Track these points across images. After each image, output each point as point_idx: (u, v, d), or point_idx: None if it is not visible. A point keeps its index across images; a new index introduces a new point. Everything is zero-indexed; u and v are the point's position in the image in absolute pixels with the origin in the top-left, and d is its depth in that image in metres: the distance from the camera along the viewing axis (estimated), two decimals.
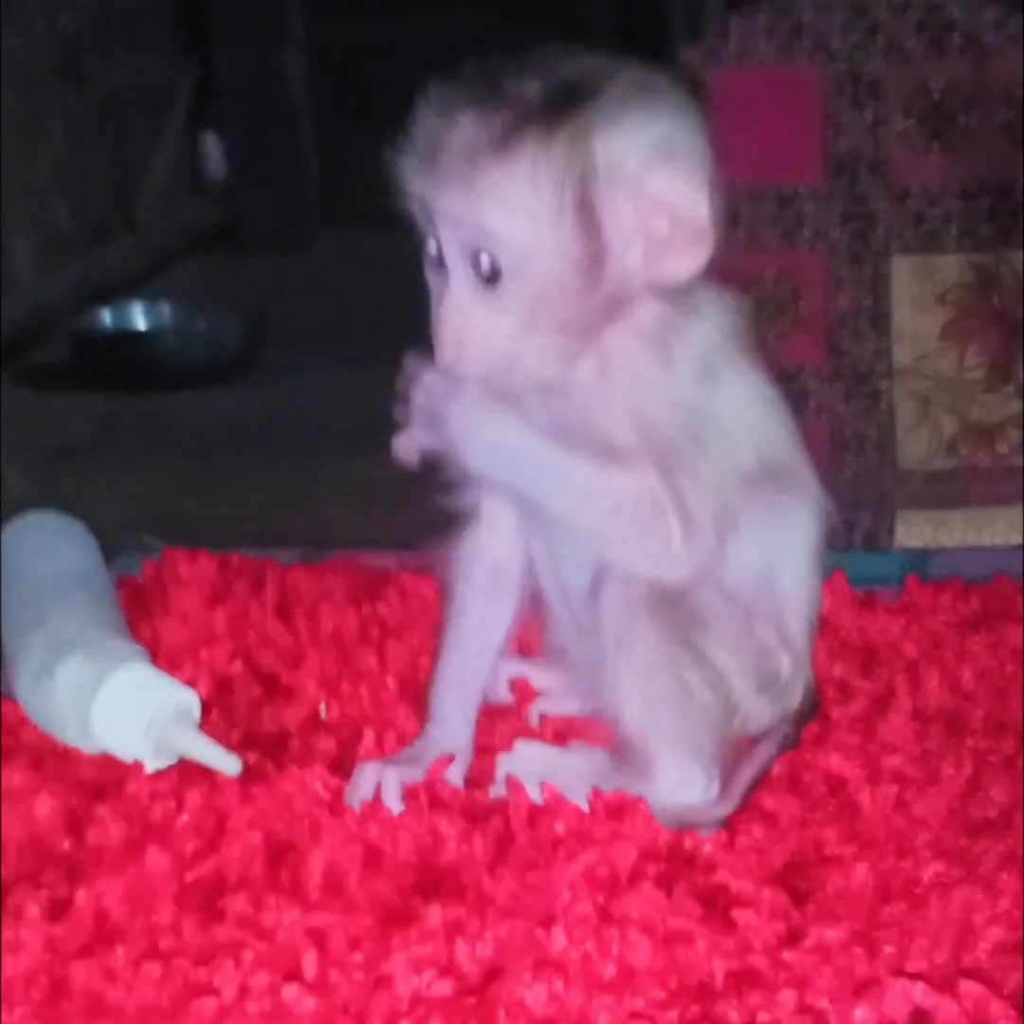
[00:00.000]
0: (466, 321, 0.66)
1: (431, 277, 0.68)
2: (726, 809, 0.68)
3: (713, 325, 0.67)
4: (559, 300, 0.65)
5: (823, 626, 0.81)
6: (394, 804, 0.68)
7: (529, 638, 0.85)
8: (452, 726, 0.73)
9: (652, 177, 0.64)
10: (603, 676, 0.68)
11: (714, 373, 0.67)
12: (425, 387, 0.68)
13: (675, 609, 0.67)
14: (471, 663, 0.75)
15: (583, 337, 0.67)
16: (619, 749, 0.69)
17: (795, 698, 0.71)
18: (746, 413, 0.68)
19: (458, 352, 0.66)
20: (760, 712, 0.70)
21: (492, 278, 0.65)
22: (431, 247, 0.67)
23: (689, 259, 0.65)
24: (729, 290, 0.68)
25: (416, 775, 0.69)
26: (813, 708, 0.74)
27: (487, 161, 0.64)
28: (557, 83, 0.64)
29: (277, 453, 1.51)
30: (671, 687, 0.67)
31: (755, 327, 0.69)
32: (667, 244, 0.65)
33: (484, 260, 0.65)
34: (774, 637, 0.70)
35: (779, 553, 0.70)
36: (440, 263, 0.67)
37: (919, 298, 1.19)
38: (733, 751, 0.69)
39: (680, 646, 0.67)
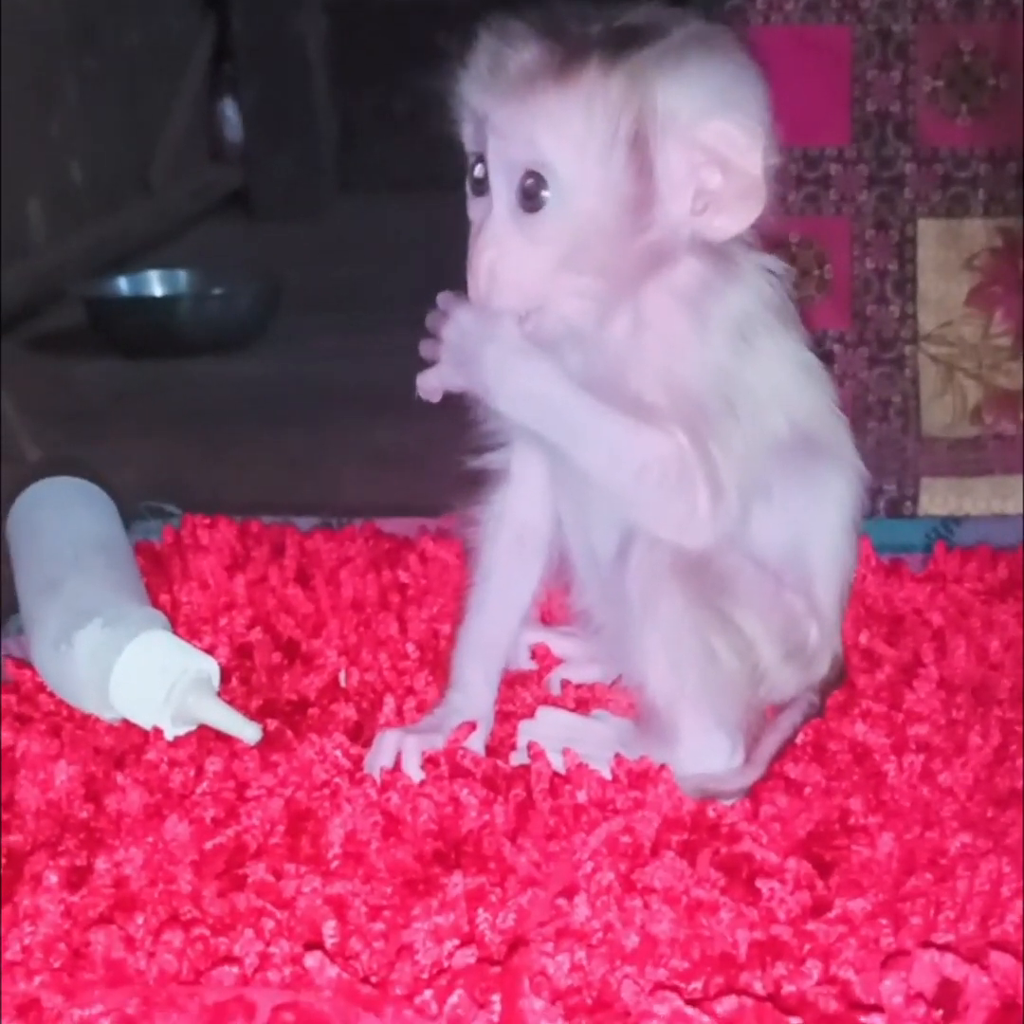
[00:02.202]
0: (503, 251, 0.65)
1: (472, 208, 0.67)
2: (750, 777, 0.67)
3: (752, 290, 0.66)
4: (600, 239, 0.64)
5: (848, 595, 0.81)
6: (414, 773, 0.67)
7: (550, 605, 0.85)
8: (474, 692, 0.72)
9: (709, 126, 0.63)
10: (628, 641, 0.67)
11: (750, 338, 0.66)
12: (458, 324, 0.66)
13: (702, 574, 0.66)
14: (495, 627, 0.74)
15: (620, 286, 0.65)
16: (642, 716, 0.69)
17: (822, 668, 0.70)
18: (781, 381, 0.67)
19: (492, 284, 0.65)
20: (787, 680, 0.69)
21: (535, 203, 0.64)
22: (477, 171, 0.66)
23: (738, 216, 0.64)
24: (772, 256, 0.67)
25: (436, 742, 0.69)
26: (840, 677, 0.73)
27: (547, 84, 0.63)
28: (621, 24, 0.64)
29: (294, 419, 1.50)
30: (697, 652, 0.66)
31: (795, 294, 0.68)
32: (717, 197, 0.64)
33: (529, 183, 0.64)
34: (803, 606, 0.69)
35: (812, 523, 0.69)
36: (483, 191, 0.66)
37: (945, 263, 1.18)
38: (758, 719, 0.69)
39: (707, 611, 0.66)
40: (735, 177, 0.64)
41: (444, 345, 0.67)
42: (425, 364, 0.68)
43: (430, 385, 0.68)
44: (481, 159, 0.66)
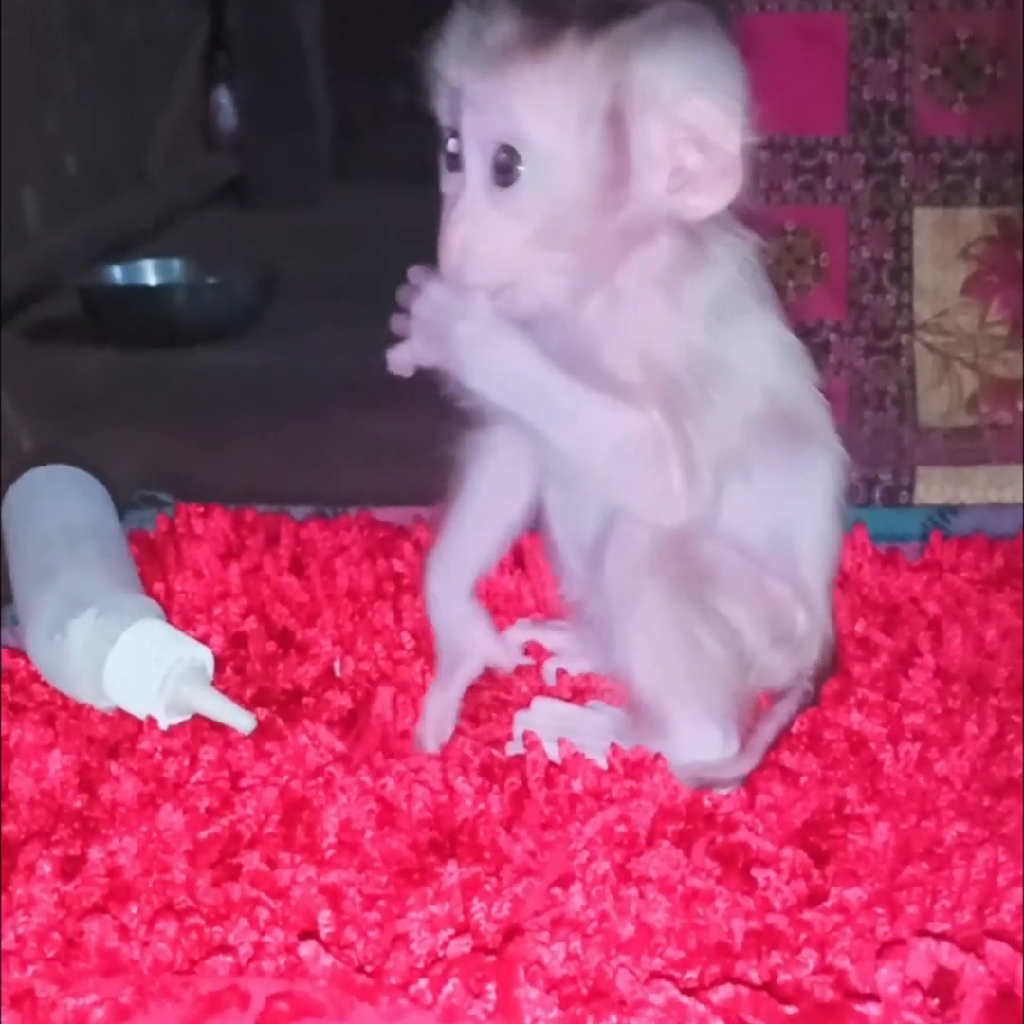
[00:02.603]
0: (476, 225, 0.64)
1: (445, 183, 0.66)
2: (746, 766, 0.67)
3: (729, 269, 0.66)
4: (574, 214, 0.64)
5: (844, 582, 0.81)
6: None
7: (547, 596, 0.85)
8: (452, 616, 0.74)
9: (688, 104, 0.63)
10: (612, 634, 0.67)
11: (725, 318, 0.65)
12: (429, 299, 0.65)
13: (681, 564, 0.66)
14: (472, 545, 0.75)
15: (595, 263, 0.65)
16: (633, 708, 0.69)
17: (813, 653, 0.70)
18: (758, 361, 0.66)
19: (464, 258, 0.64)
20: (777, 667, 0.69)
21: (509, 177, 0.63)
22: (452, 146, 0.65)
23: (715, 195, 0.64)
24: (749, 233, 0.67)
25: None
26: (834, 663, 0.73)
27: (524, 57, 0.63)
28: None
29: (289, 409, 1.50)
30: (680, 642, 0.66)
31: (774, 274, 0.68)
32: (694, 175, 0.64)
33: (503, 157, 0.63)
34: (790, 592, 0.68)
35: (794, 507, 0.69)
36: (456, 165, 0.65)
37: (941, 252, 1.18)
38: (751, 707, 0.69)
39: (688, 601, 0.66)
40: (713, 156, 0.63)
41: (415, 320, 0.66)
42: (397, 339, 0.67)
43: (401, 360, 0.67)
44: (455, 133, 0.65)
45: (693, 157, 0.63)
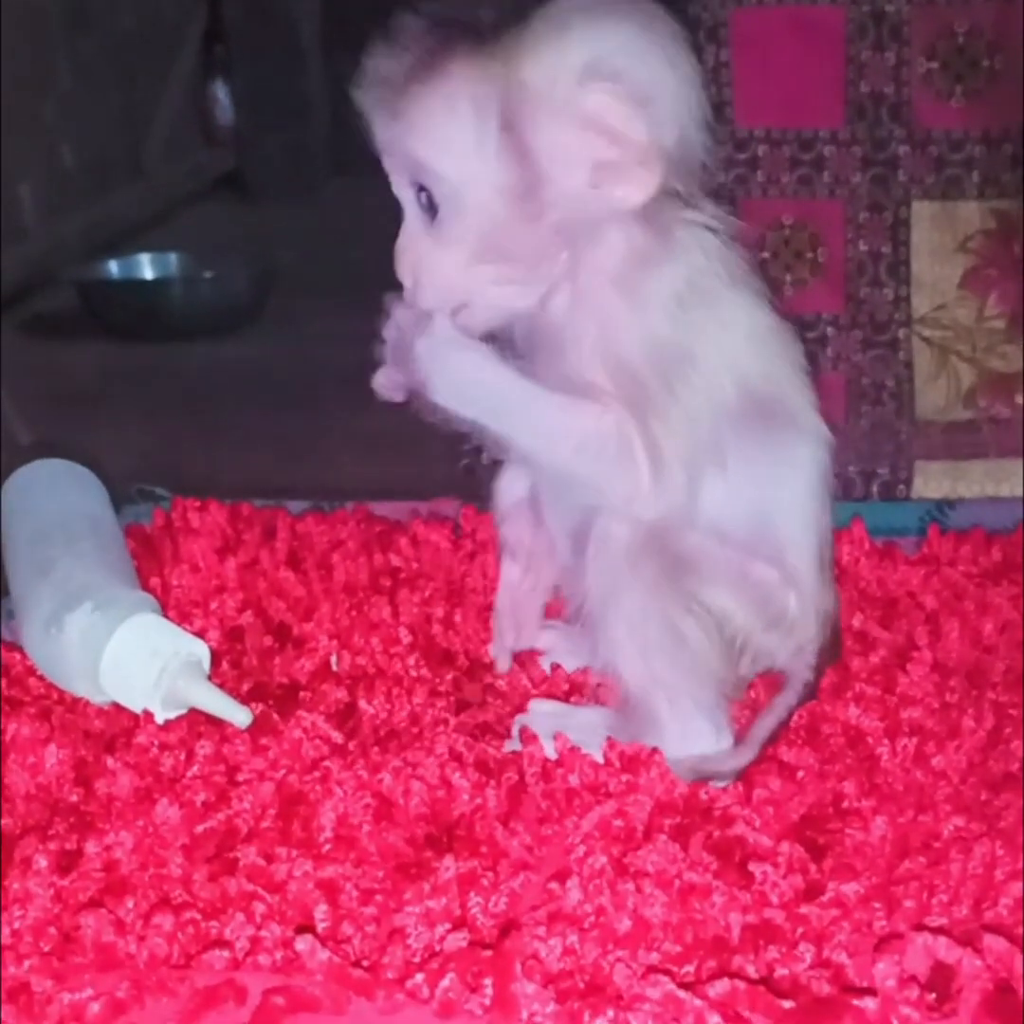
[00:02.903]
0: (417, 254, 0.66)
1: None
2: (744, 759, 0.67)
3: (693, 256, 0.65)
4: (501, 230, 0.65)
5: (842, 576, 0.81)
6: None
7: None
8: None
9: (587, 99, 0.63)
10: (598, 629, 0.67)
11: (690, 307, 0.65)
12: (395, 323, 0.67)
13: (660, 558, 0.66)
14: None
15: (542, 266, 0.66)
16: (624, 704, 0.68)
17: (809, 630, 0.69)
18: (727, 349, 0.66)
19: (415, 285, 0.66)
20: (773, 648, 0.69)
21: (433, 209, 0.65)
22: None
23: (638, 184, 0.64)
24: (724, 215, 0.67)
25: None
26: (835, 642, 0.72)
27: (413, 90, 0.64)
28: (491, 13, 0.64)
29: (286, 402, 1.49)
30: (663, 637, 0.66)
31: (769, 263, 0.67)
32: (613, 168, 0.64)
33: (422, 193, 0.65)
34: (777, 575, 0.68)
35: (774, 491, 0.68)
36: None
37: (939, 246, 1.17)
38: (743, 694, 0.68)
39: (668, 595, 0.66)
40: (624, 145, 0.63)
41: (387, 344, 0.68)
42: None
43: (382, 384, 0.69)
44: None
45: (605, 149, 0.63)
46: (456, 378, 0.65)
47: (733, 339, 0.66)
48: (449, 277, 0.66)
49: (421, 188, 0.65)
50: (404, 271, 0.67)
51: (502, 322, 0.67)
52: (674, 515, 0.65)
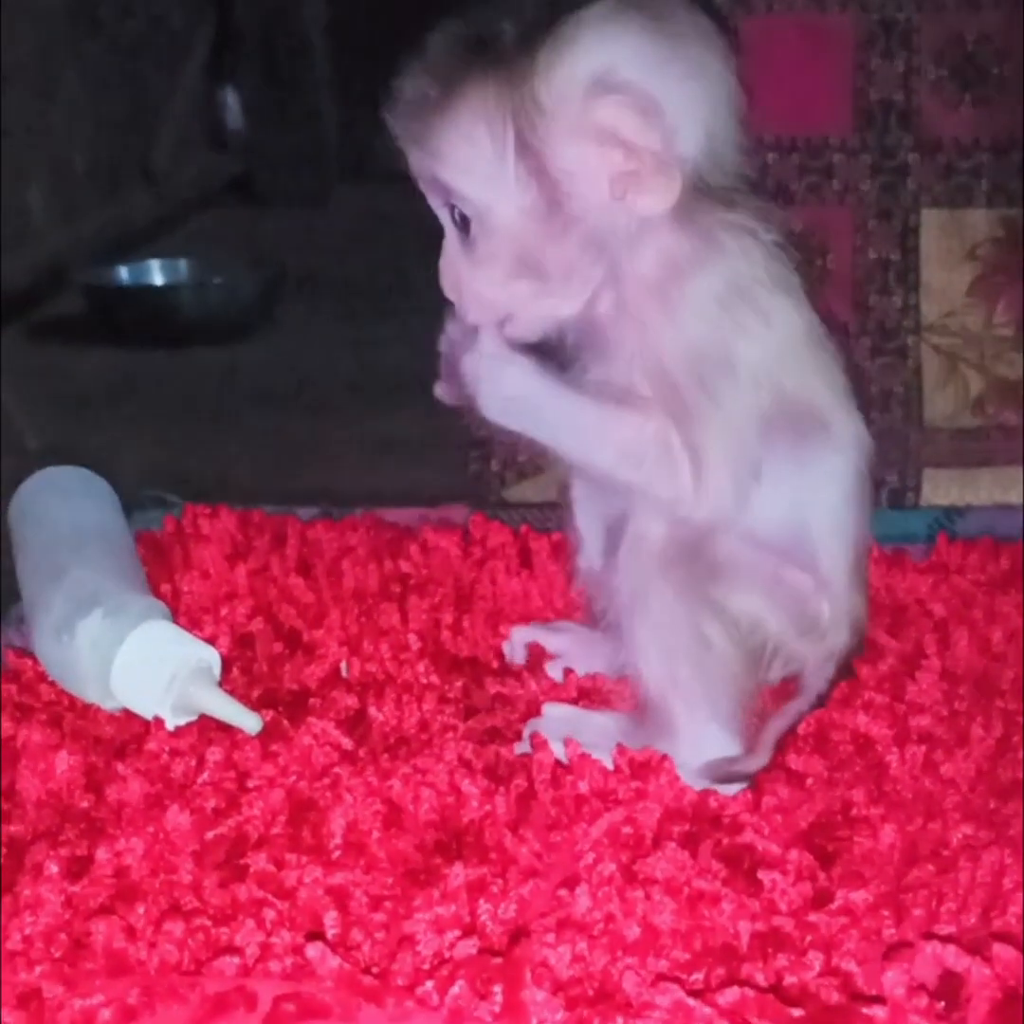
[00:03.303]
0: (458, 273, 0.68)
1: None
2: (760, 762, 0.67)
3: (735, 260, 0.65)
4: (532, 246, 0.66)
5: None
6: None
7: (548, 601, 0.85)
8: None
9: (598, 112, 0.63)
10: (623, 631, 0.67)
11: (732, 310, 0.65)
12: (447, 338, 0.69)
13: (692, 563, 0.66)
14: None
15: (575, 278, 0.66)
16: (639, 708, 0.69)
17: (841, 637, 0.69)
18: (767, 352, 0.66)
19: (460, 302, 0.68)
20: (803, 655, 0.69)
21: (467, 229, 0.66)
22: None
23: (660, 193, 0.64)
24: (771, 216, 0.67)
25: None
26: (861, 645, 0.72)
27: (432, 117, 0.65)
28: (506, 27, 0.64)
29: (296, 408, 1.50)
30: (689, 643, 0.66)
31: (794, 252, 0.67)
32: (632, 178, 0.64)
33: (455, 214, 0.66)
34: (811, 582, 0.68)
35: (808, 498, 0.69)
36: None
37: (948, 253, 1.17)
38: (762, 705, 0.69)
39: (697, 601, 0.66)
40: (640, 155, 0.63)
41: (441, 358, 0.69)
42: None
43: (442, 395, 0.70)
44: None
45: (621, 161, 0.64)
46: (502, 393, 0.66)
47: (771, 344, 0.66)
48: (488, 293, 0.67)
49: (454, 207, 0.66)
50: (448, 288, 0.68)
51: (549, 330, 0.68)
52: (723, 520, 0.66)
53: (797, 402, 0.67)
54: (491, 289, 0.67)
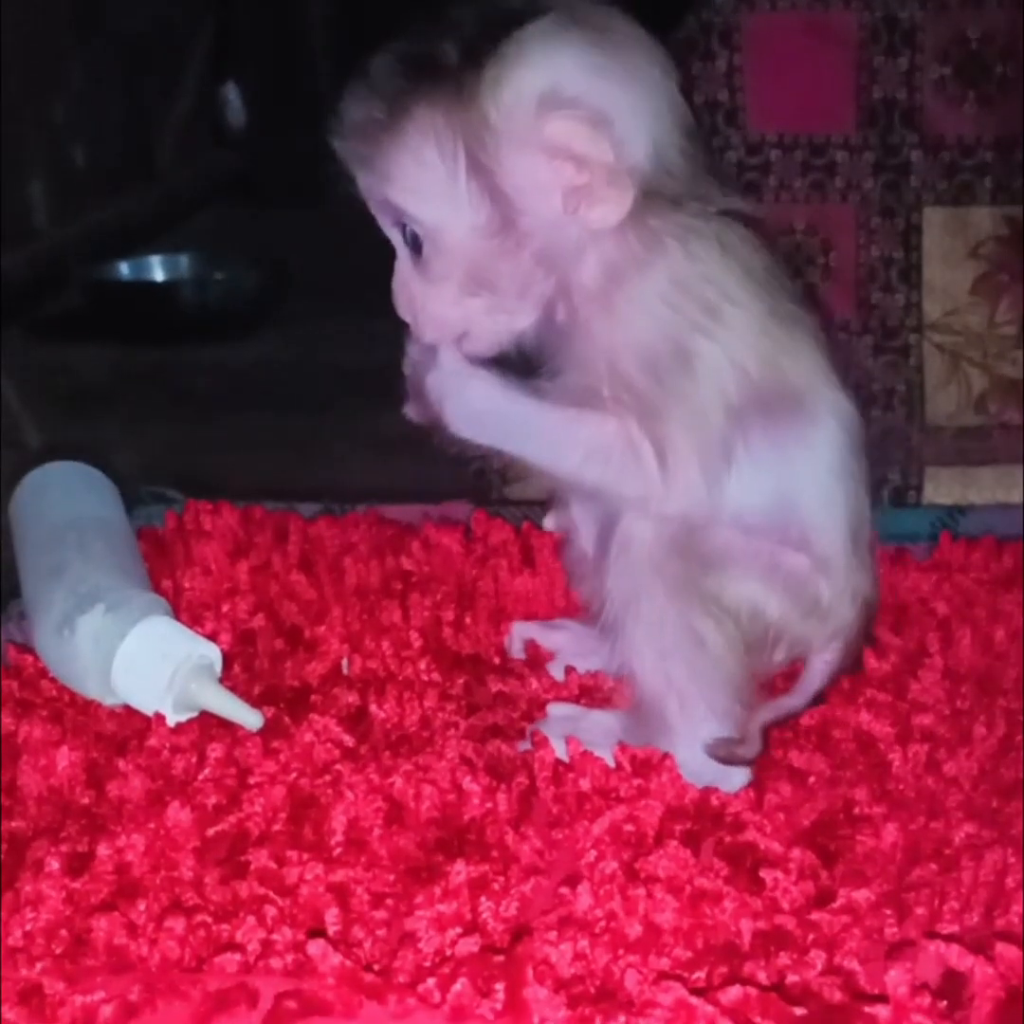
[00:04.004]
0: (411, 293, 0.68)
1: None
2: (755, 748, 0.67)
3: (675, 259, 0.65)
4: (484, 264, 0.66)
5: None
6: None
7: (550, 599, 0.84)
8: None
9: (547, 125, 0.63)
10: (616, 631, 0.67)
11: (682, 306, 0.65)
12: (409, 358, 0.69)
13: (683, 561, 0.66)
14: None
15: (528, 293, 0.67)
16: (635, 707, 0.69)
17: (845, 614, 0.69)
18: (730, 342, 0.65)
19: (414, 322, 0.68)
20: (809, 636, 0.69)
21: (417, 249, 0.67)
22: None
23: (613, 204, 0.64)
24: (727, 203, 0.67)
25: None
26: (870, 622, 0.72)
27: (381, 140, 0.65)
28: (448, 47, 0.64)
29: (297, 405, 1.50)
30: (682, 641, 0.66)
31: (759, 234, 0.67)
32: (585, 191, 0.64)
33: (405, 234, 0.67)
34: (807, 563, 0.68)
35: (791, 479, 0.68)
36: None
37: (951, 251, 1.18)
38: (758, 689, 0.69)
39: (689, 599, 0.66)
40: (592, 167, 0.64)
41: (407, 380, 0.69)
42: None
43: (411, 416, 0.70)
44: None
45: (573, 174, 0.64)
46: (466, 408, 0.67)
47: (726, 337, 0.66)
48: (442, 312, 0.67)
49: (405, 227, 0.67)
50: (402, 309, 0.68)
51: (506, 344, 0.68)
52: (699, 511, 0.66)
53: (767, 385, 0.67)
54: (445, 307, 0.67)
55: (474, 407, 0.67)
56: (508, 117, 0.63)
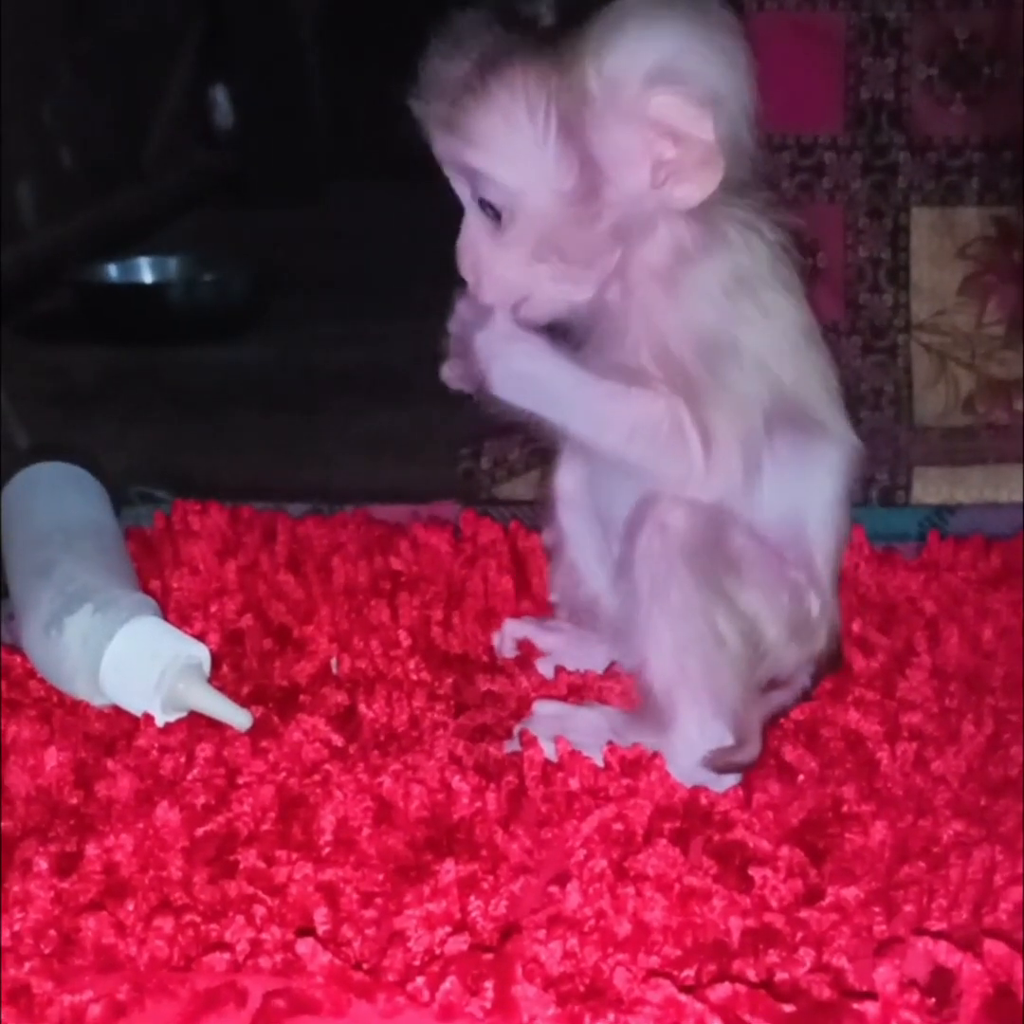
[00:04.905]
0: (478, 254, 0.68)
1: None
2: (754, 752, 0.67)
3: (737, 251, 0.66)
4: (562, 231, 0.66)
5: (842, 582, 0.81)
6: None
7: (539, 600, 0.84)
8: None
9: (653, 101, 0.63)
10: (633, 623, 0.67)
11: (736, 299, 0.65)
12: (457, 317, 0.69)
13: (711, 555, 0.66)
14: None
15: (599, 263, 0.67)
16: (639, 702, 0.69)
17: (821, 641, 0.70)
18: (766, 345, 0.66)
19: (477, 282, 0.68)
20: (790, 657, 0.69)
21: (493, 213, 0.66)
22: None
23: (699, 183, 0.65)
24: (777, 215, 0.67)
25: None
26: (838, 654, 0.72)
27: (467, 102, 0.64)
28: (543, 9, 0.64)
29: (286, 406, 1.49)
30: (703, 634, 0.66)
31: (796, 254, 0.68)
32: (675, 167, 0.64)
33: (481, 199, 0.66)
34: (804, 580, 0.69)
35: (806, 495, 0.69)
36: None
37: (938, 252, 1.18)
38: (753, 699, 0.69)
39: (715, 593, 0.66)
40: (689, 146, 0.64)
41: (452, 337, 0.69)
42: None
43: (449, 376, 0.70)
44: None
45: (670, 150, 0.64)
46: (512, 370, 0.67)
47: (772, 336, 0.66)
48: (509, 275, 0.67)
49: (478, 196, 0.67)
50: (466, 269, 0.68)
51: (562, 314, 0.68)
52: (736, 502, 0.66)
53: (794, 399, 0.67)
54: (513, 270, 0.67)
55: (521, 369, 0.67)
56: (610, 86, 0.63)
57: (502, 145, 0.65)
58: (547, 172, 0.65)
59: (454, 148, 0.66)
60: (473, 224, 0.68)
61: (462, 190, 0.68)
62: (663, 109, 0.63)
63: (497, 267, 0.67)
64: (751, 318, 0.66)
